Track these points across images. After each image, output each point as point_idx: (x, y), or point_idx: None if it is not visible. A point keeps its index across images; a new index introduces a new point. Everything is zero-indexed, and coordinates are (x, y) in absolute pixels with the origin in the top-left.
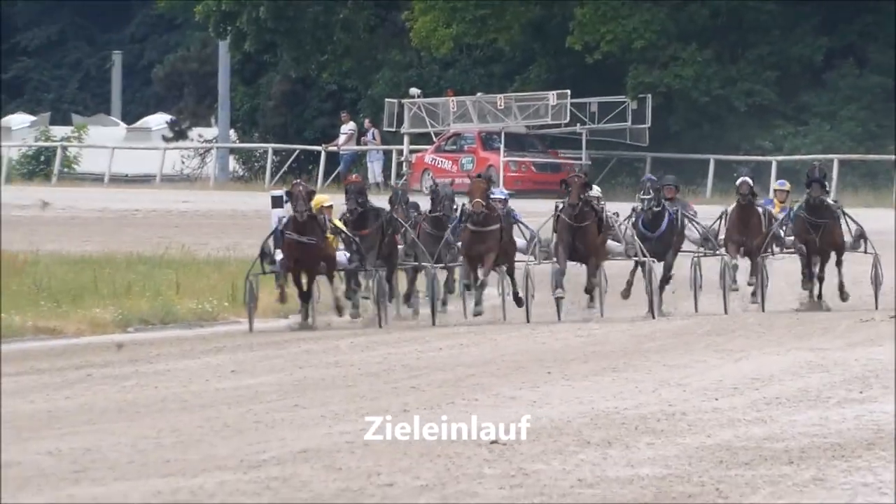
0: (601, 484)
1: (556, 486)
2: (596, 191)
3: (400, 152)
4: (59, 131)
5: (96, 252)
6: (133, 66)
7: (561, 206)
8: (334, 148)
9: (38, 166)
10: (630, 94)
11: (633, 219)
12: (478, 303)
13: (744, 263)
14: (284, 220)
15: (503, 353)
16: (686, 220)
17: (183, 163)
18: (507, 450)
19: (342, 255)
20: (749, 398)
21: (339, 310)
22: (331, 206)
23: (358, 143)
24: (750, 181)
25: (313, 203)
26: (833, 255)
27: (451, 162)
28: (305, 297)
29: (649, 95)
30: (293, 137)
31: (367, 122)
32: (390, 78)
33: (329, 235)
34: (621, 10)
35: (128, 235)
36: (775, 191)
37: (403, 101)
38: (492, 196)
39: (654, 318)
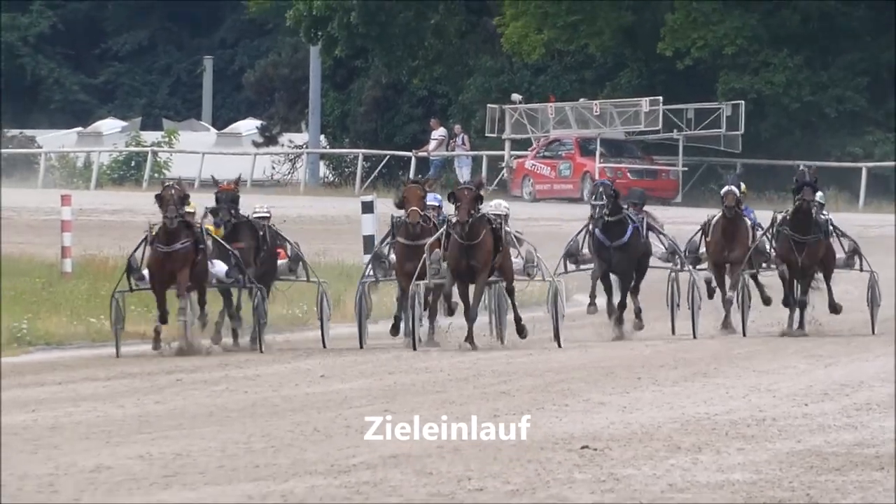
0: (692, 489)
1: (646, 491)
2: (501, 206)
3: (493, 159)
4: (149, 136)
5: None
6: (224, 71)
7: (453, 221)
8: (424, 153)
9: (128, 171)
10: (721, 100)
11: (590, 227)
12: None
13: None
14: (156, 227)
15: (592, 359)
16: (652, 233)
17: (273, 168)
18: (597, 455)
19: (220, 267)
20: (839, 404)
21: (217, 325)
22: (192, 213)
23: (447, 149)
24: (737, 191)
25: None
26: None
27: (549, 168)
28: (164, 319)
29: (742, 102)
30: (384, 143)
31: (456, 128)
32: (481, 84)
33: (208, 244)
34: (712, 15)
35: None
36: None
37: (504, 106)
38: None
39: (559, 346)
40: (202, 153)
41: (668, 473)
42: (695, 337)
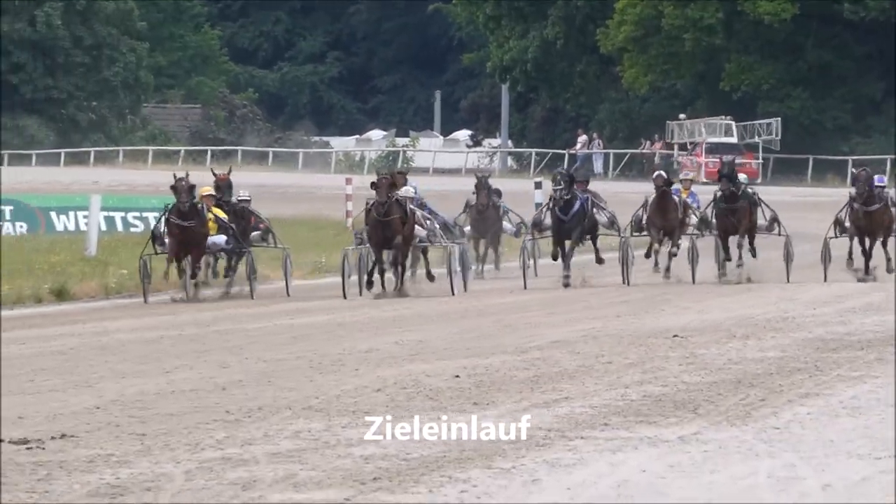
0: (742, 362)
1: (714, 363)
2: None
3: (617, 155)
4: (400, 141)
5: None
6: (448, 99)
7: (371, 202)
8: (573, 151)
9: (388, 163)
10: (759, 119)
11: (551, 204)
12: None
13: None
14: (170, 207)
15: (682, 282)
16: (595, 207)
17: (479, 161)
18: (683, 340)
19: (220, 238)
20: (836, 308)
21: (205, 283)
22: (210, 196)
23: (588, 148)
24: (664, 174)
25: (198, 193)
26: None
27: (689, 161)
28: (193, 274)
29: (780, 118)
30: (548, 144)
31: (594, 135)
32: (609, 107)
33: (210, 221)
34: (755, 65)
35: (446, 206)
36: (680, 180)
37: (673, 122)
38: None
39: (453, 294)
40: (434, 151)
41: (727, 352)
42: (628, 284)
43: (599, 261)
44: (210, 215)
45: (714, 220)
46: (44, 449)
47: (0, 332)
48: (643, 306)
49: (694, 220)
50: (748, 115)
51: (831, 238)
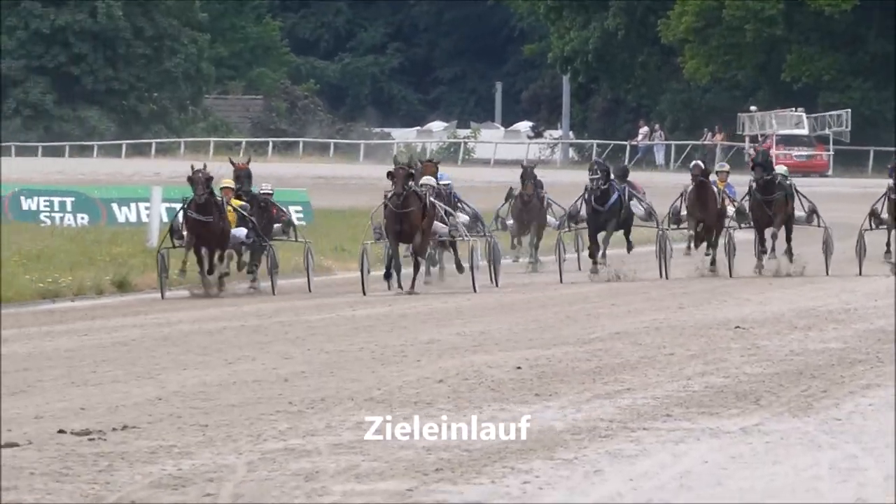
0: (804, 353)
1: (776, 354)
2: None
3: (679, 147)
4: (462, 132)
5: (484, 208)
6: (509, 91)
7: (389, 194)
8: (635, 142)
9: (448, 154)
10: (819, 110)
11: (586, 195)
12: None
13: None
14: (188, 200)
15: (740, 275)
16: (634, 198)
17: (540, 152)
18: (745, 332)
19: (241, 231)
20: None
21: (221, 279)
22: (230, 188)
23: (649, 140)
24: (701, 164)
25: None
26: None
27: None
28: (209, 271)
29: (850, 110)
30: (609, 135)
31: (656, 126)
32: (670, 98)
33: (229, 213)
34: (815, 56)
35: (502, 196)
36: (716, 172)
37: (744, 114)
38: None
39: (475, 290)
40: (495, 143)
41: (789, 343)
42: (667, 278)
43: (630, 247)
44: (230, 208)
45: (750, 212)
46: (105, 440)
47: (0, 331)
48: (705, 298)
49: (731, 210)
50: (810, 105)
51: (867, 230)
